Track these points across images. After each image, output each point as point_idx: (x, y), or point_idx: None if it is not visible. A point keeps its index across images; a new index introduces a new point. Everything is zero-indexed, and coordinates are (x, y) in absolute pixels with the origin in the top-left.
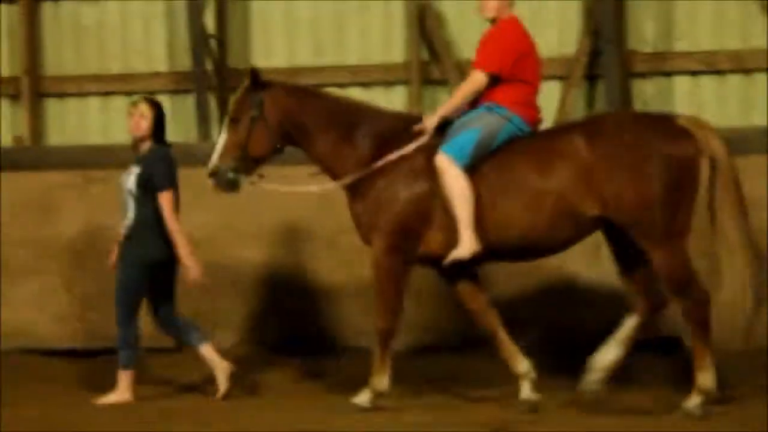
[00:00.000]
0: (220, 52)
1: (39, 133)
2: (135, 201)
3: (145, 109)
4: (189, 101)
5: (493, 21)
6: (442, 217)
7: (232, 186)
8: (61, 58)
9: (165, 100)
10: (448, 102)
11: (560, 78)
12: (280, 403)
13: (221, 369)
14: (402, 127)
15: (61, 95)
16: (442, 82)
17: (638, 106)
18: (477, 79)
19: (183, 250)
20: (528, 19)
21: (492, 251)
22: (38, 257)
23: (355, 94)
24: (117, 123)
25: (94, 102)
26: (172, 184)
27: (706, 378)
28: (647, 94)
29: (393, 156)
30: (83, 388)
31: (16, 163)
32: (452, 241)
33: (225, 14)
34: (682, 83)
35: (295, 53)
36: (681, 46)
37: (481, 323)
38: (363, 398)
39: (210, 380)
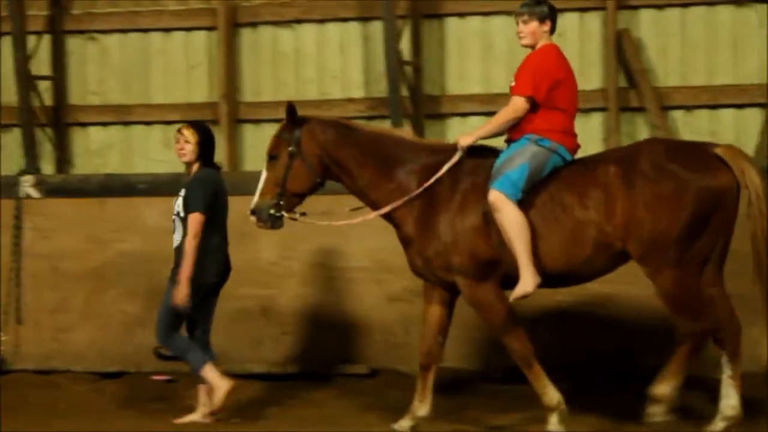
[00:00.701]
0: (416, 79)
1: (236, 158)
2: (182, 223)
3: (189, 135)
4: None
5: (532, 48)
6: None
7: (273, 223)
8: (258, 83)
9: None
10: (486, 124)
11: (762, 105)
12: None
13: (223, 390)
14: (443, 156)
15: (258, 121)
16: (640, 110)
17: None
18: (515, 104)
19: (184, 273)
20: (729, 45)
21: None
22: (235, 282)
23: None
24: None
25: None
26: (204, 207)
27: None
28: None
29: (430, 181)
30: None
31: None
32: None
33: (421, 40)
34: None
35: (490, 80)
36: None
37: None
38: (552, 423)
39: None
